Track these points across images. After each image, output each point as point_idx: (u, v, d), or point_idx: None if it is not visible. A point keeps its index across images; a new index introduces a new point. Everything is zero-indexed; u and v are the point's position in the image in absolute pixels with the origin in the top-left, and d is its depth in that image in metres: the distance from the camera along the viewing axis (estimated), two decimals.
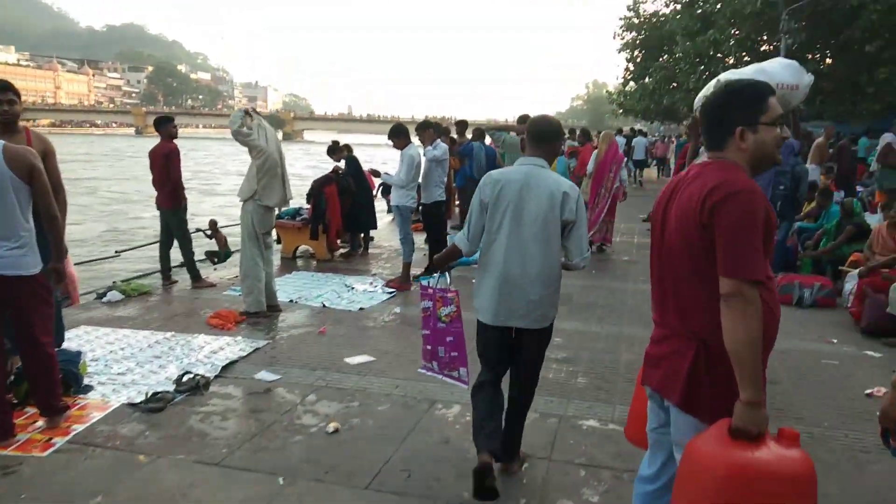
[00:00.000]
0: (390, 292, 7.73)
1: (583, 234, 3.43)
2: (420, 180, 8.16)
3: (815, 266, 8.90)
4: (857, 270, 7.43)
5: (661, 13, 30.72)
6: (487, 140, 11.49)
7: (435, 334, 3.69)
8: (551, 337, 3.57)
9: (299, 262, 9.61)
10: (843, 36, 21.75)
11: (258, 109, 6.85)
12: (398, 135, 7.84)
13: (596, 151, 10.65)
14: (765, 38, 23.06)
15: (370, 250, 10.48)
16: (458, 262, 4.64)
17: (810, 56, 21.86)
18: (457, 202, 12.61)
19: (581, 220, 3.41)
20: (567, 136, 16.04)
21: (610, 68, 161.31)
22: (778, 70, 5.26)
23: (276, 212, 7.39)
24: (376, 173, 8.84)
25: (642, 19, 31.30)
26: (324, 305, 7.12)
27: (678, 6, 27.92)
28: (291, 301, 7.26)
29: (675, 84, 27.41)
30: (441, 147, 8.15)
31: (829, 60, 23.28)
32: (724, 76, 5.06)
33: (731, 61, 24.43)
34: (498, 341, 3.49)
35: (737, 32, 22.80)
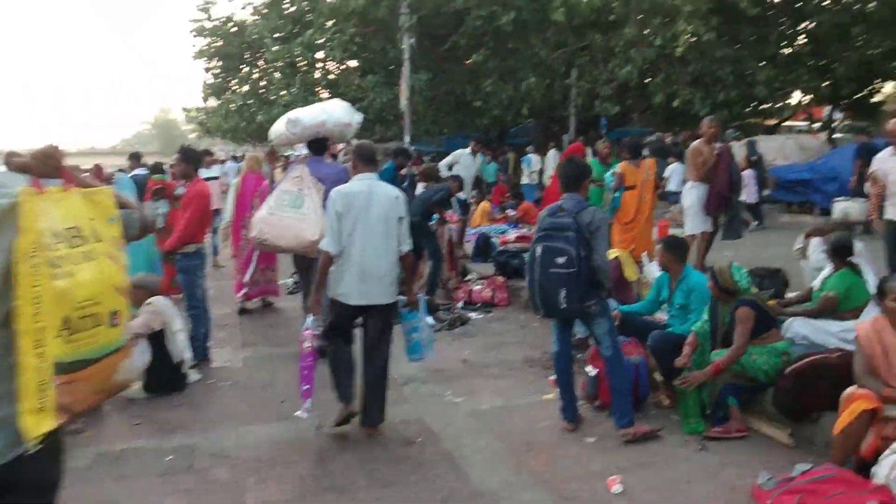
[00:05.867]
0: None
1: (407, 226, 4.31)
2: None
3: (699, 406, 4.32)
4: None
5: (235, 17, 25.08)
6: None
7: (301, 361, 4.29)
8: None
9: None
10: (448, 43, 18.97)
11: None
12: None
13: (234, 183, 7.90)
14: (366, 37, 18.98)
15: None
16: None
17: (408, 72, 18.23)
18: None
19: (406, 214, 4.33)
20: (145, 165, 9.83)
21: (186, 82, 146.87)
22: (336, 110, 6.18)
23: None
24: None
25: (217, 23, 25.22)
26: None
27: (261, 6, 22.60)
28: None
29: (267, 98, 22.08)
30: None
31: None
32: (292, 113, 6.05)
33: (336, 65, 20.11)
34: (351, 314, 4.26)
35: (337, 34, 18.28)
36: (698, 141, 6.90)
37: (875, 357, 3.56)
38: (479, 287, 7.81)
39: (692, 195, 6.81)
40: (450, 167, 9.07)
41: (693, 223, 6.88)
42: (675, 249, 4.91)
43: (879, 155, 5.83)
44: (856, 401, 3.46)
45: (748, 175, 11.51)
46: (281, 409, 4.89)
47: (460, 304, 7.63)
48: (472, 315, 7.23)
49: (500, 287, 7.75)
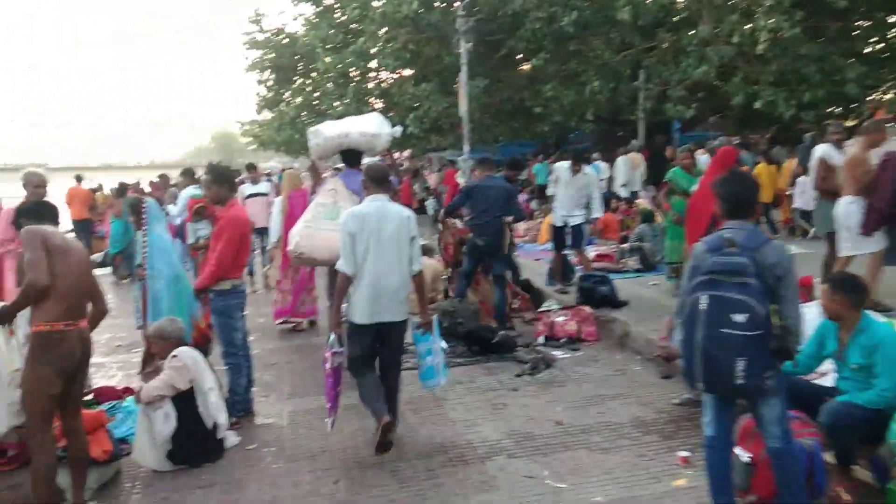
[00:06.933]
0: None
1: (418, 246, 4.33)
2: None
3: None
4: None
5: (286, 28, 24.54)
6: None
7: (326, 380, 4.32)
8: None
9: None
10: (504, 48, 17.83)
11: None
12: None
13: (279, 199, 7.45)
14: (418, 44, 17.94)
15: None
16: None
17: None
18: None
19: (417, 233, 4.31)
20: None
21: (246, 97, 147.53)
22: (363, 121, 6.14)
23: None
24: None
25: (269, 35, 24.76)
26: None
27: (311, 16, 21.90)
28: None
29: (320, 110, 21.34)
30: None
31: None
32: (321, 126, 6.09)
33: (389, 75, 19.22)
34: (370, 336, 4.21)
35: (390, 42, 17.33)
36: (856, 148, 5.59)
37: None
38: (561, 319, 6.62)
39: (849, 211, 5.47)
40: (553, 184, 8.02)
41: (852, 244, 5.54)
42: (849, 291, 3.63)
43: None
44: None
45: (804, 182, 10.86)
46: (335, 494, 3.82)
47: (541, 340, 6.47)
48: (558, 354, 6.06)
49: (586, 319, 6.55)
